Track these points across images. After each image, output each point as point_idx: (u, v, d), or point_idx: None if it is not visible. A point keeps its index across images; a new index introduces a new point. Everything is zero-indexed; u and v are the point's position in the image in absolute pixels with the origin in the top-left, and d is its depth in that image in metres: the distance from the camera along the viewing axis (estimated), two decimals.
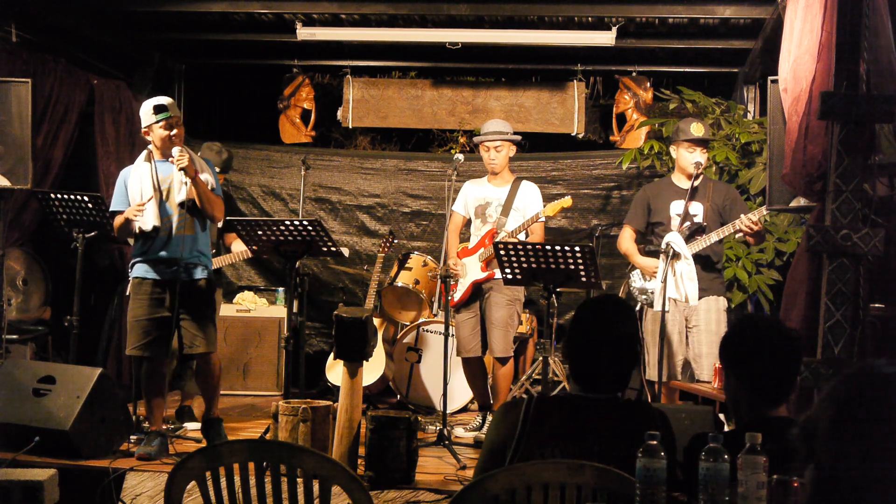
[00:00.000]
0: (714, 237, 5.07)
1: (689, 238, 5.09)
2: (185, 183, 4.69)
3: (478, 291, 5.62)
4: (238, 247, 5.90)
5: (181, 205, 4.72)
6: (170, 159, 4.69)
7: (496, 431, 2.59)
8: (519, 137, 5.76)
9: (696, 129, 5.24)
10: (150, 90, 7.86)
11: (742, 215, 4.96)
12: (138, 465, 4.35)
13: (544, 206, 5.53)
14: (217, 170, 5.19)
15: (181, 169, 4.62)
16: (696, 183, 5.20)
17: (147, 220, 4.71)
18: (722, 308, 5.23)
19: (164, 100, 4.78)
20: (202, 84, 8.48)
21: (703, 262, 5.13)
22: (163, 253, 4.75)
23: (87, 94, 6.88)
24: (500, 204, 5.62)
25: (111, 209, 4.89)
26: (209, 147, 5.99)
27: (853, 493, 1.48)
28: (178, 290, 4.66)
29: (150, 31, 7.55)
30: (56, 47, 6.86)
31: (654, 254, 5.21)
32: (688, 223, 5.15)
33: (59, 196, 5.07)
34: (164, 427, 5.07)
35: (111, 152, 7.04)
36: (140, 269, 4.81)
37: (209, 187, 4.79)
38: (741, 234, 5.11)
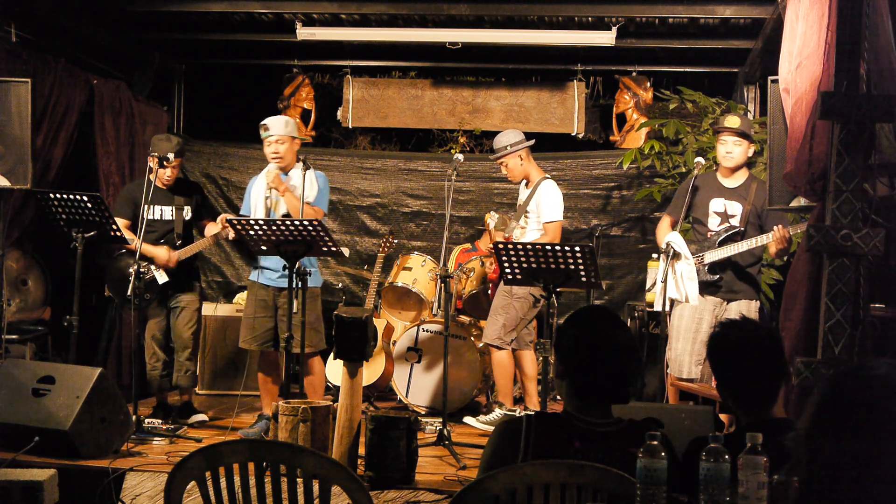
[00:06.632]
0: (744, 246, 5.01)
1: (723, 242, 5.08)
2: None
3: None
4: (211, 230, 5.68)
5: (284, 216, 5.11)
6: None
7: (495, 449, 2.53)
8: (514, 147, 5.67)
9: (730, 120, 5.18)
10: (151, 90, 7.88)
11: (775, 227, 4.84)
12: (138, 464, 4.35)
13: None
14: (176, 154, 5.52)
15: (270, 186, 5.13)
16: (740, 182, 5.17)
17: None
18: (754, 311, 5.18)
19: (273, 120, 5.18)
20: (202, 84, 8.49)
21: (739, 265, 5.12)
22: (268, 261, 5.22)
23: (87, 94, 6.87)
24: (522, 206, 5.75)
25: (241, 213, 5.48)
26: (159, 139, 5.74)
27: (836, 494, 1.48)
28: (277, 293, 5.23)
29: (150, 31, 7.55)
30: (56, 47, 6.86)
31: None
32: (725, 225, 5.15)
33: (58, 196, 5.06)
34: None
35: (111, 152, 7.03)
36: (254, 273, 5.42)
37: (307, 200, 5.11)
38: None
